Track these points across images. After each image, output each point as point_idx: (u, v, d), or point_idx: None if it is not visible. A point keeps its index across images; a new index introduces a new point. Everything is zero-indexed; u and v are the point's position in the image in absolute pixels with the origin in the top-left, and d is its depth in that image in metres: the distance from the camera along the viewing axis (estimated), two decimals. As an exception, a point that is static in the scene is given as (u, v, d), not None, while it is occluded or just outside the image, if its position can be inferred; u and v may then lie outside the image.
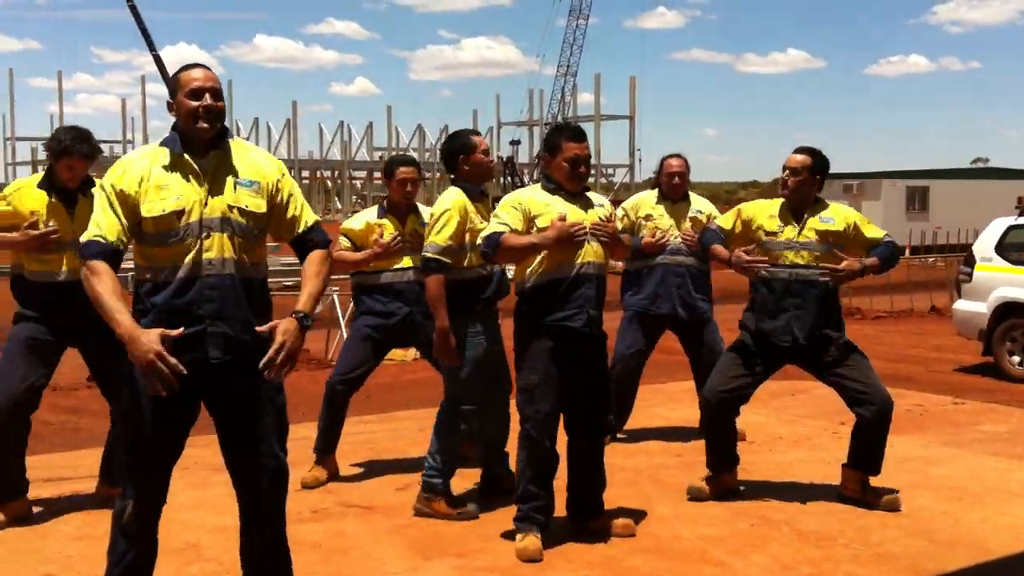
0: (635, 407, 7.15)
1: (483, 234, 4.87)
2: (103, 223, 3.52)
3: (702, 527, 5.21)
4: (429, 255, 5.23)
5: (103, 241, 3.49)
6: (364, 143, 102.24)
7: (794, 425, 7.62)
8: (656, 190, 6.92)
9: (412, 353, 10.47)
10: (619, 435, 6.96)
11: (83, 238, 3.55)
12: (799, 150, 5.57)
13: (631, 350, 6.85)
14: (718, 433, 5.69)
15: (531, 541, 4.78)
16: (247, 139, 3.76)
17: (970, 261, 10.66)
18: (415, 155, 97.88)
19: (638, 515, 5.29)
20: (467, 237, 5.27)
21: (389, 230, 5.94)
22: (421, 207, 6.07)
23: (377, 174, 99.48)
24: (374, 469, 6.37)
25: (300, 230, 3.73)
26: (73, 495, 5.72)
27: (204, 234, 3.54)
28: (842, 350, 5.48)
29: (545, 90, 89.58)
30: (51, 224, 5.13)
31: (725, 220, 5.76)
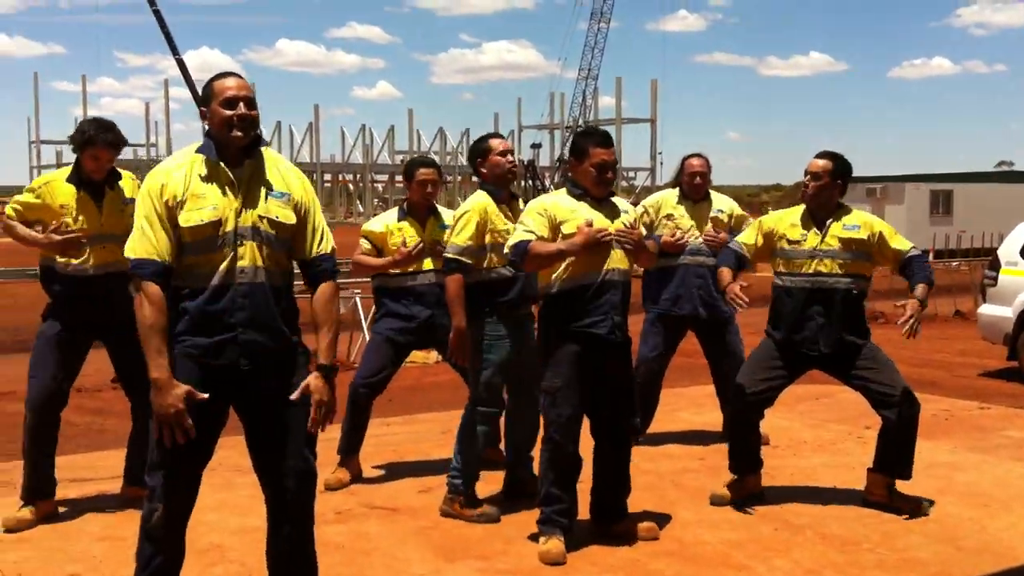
0: (657, 410, 7.14)
1: (510, 242, 4.85)
2: (155, 239, 3.53)
3: (725, 531, 5.19)
4: (449, 255, 5.31)
5: (158, 260, 3.51)
6: (386, 146, 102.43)
7: (818, 429, 7.58)
8: (677, 189, 6.90)
9: (434, 355, 10.49)
10: (640, 438, 6.94)
11: (136, 254, 3.53)
12: (820, 155, 5.53)
13: (654, 353, 6.84)
14: (742, 436, 5.67)
15: (554, 544, 4.77)
16: (269, 143, 3.79)
17: (995, 265, 10.59)
18: (436, 158, 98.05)
19: (661, 519, 5.27)
20: (488, 238, 5.30)
21: (409, 233, 5.95)
22: (441, 209, 6.09)
23: (399, 177, 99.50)
24: (397, 471, 6.38)
25: (315, 253, 3.76)
26: (98, 495, 5.75)
27: (238, 243, 3.58)
28: (867, 354, 5.45)
29: (566, 93, 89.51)
30: (79, 219, 5.15)
31: (747, 236, 5.70)
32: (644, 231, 5.32)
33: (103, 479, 6.03)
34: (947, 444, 7.06)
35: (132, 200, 4.54)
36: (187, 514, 3.76)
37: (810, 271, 5.42)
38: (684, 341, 7.08)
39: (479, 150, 5.50)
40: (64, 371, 5.23)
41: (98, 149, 5.12)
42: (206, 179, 3.59)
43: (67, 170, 5.27)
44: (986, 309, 10.67)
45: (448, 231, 5.47)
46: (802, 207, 5.55)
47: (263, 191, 3.65)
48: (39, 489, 5.28)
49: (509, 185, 5.52)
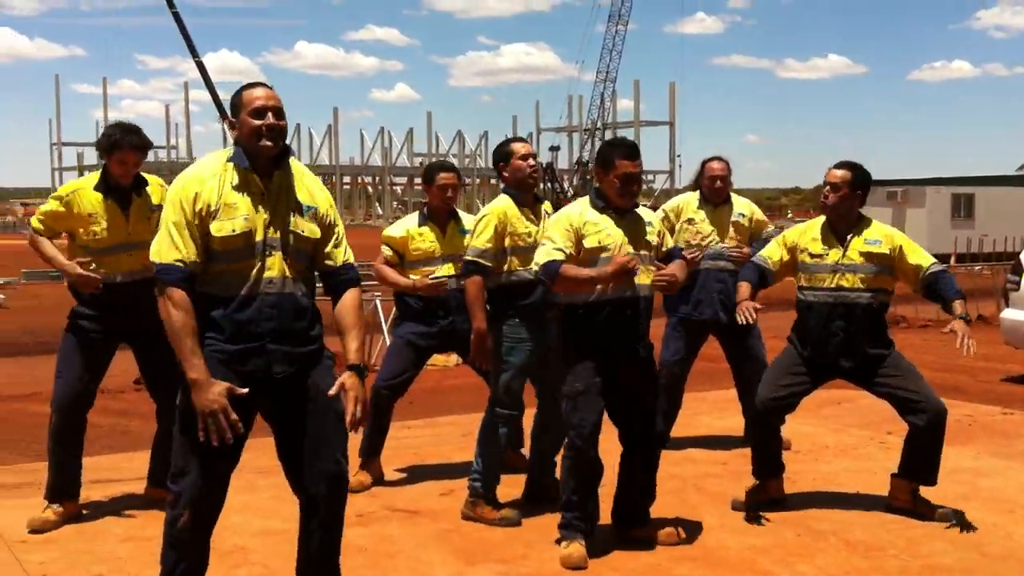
0: (679, 415, 7.12)
1: (540, 259, 4.84)
2: (182, 245, 3.54)
3: (748, 536, 5.17)
4: (468, 257, 5.35)
5: (183, 266, 3.53)
6: (404, 149, 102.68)
7: (840, 434, 7.54)
8: (697, 193, 6.88)
9: (454, 358, 10.49)
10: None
11: (162, 259, 3.54)
12: (839, 165, 5.49)
13: (675, 357, 6.82)
14: (763, 441, 5.65)
15: (575, 549, 4.77)
16: (294, 152, 3.83)
17: (1018, 269, 10.51)
18: (455, 161, 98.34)
19: (683, 524, 5.26)
20: (508, 242, 5.33)
21: (428, 239, 5.97)
22: (462, 214, 6.10)
23: (418, 180, 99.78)
24: (418, 474, 6.40)
25: (338, 263, 3.81)
26: (122, 497, 5.78)
27: (267, 253, 3.62)
28: (891, 363, 5.42)
29: (584, 96, 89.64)
30: (104, 225, 5.18)
31: (772, 252, 5.65)
32: (669, 238, 5.29)
33: (127, 480, 6.06)
34: (970, 450, 7.01)
35: (159, 207, 4.56)
36: (213, 520, 3.76)
37: (832, 285, 5.40)
38: (706, 345, 7.06)
39: (502, 154, 5.52)
40: (90, 372, 5.26)
41: (125, 152, 5.14)
42: (237, 189, 3.62)
43: (94, 177, 5.29)
44: (1009, 314, 10.60)
45: (468, 235, 5.51)
46: (822, 219, 5.53)
47: (291, 203, 3.70)
48: (63, 490, 5.31)
49: (531, 189, 5.53)
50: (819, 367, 5.49)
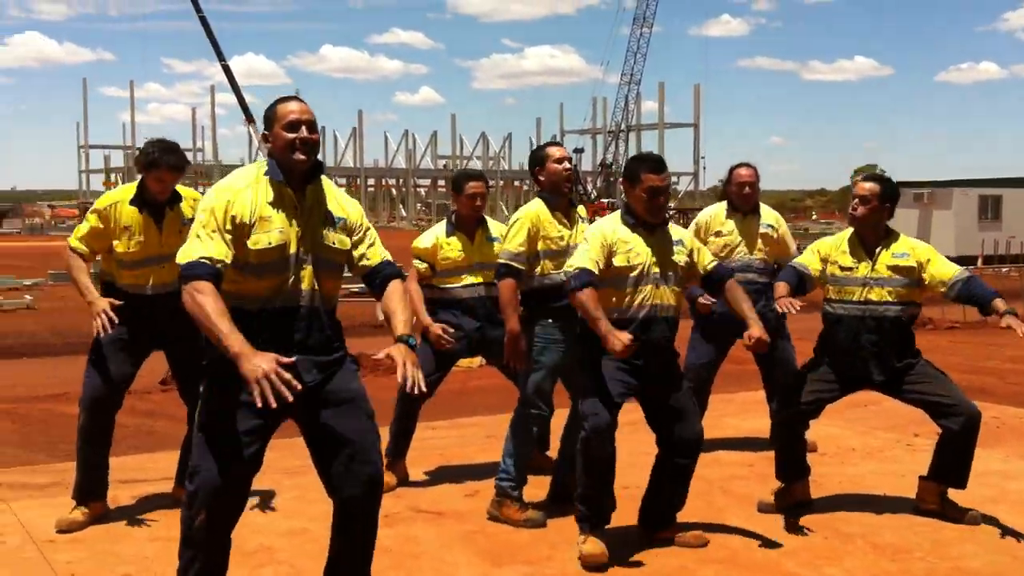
0: (706, 417, 7.08)
1: (576, 262, 4.80)
2: (210, 246, 3.54)
3: (774, 539, 5.13)
4: (501, 260, 5.38)
5: (208, 263, 3.51)
6: (428, 151, 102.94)
7: (866, 437, 7.50)
8: (725, 203, 6.84)
9: (478, 360, 10.48)
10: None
11: (187, 258, 3.53)
12: (868, 177, 5.52)
13: (702, 361, 6.78)
14: (788, 444, 5.63)
15: (592, 543, 4.77)
16: (320, 160, 3.87)
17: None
18: (479, 163, 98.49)
19: (710, 526, 5.24)
20: (540, 245, 5.35)
21: (457, 248, 5.98)
22: (490, 221, 6.11)
23: (441, 182, 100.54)
24: (443, 475, 6.40)
25: (375, 262, 3.85)
26: (149, 497, 5.81)
27: (300, 267, 3.66)
28: (918, 370, 5.39)
29: (609, 98, 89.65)
30: (140, 238, 5.23)
31: (810, 261, 5.57)
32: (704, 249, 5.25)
33: (154, 480, 6.10)
34: (999, 452, 6.95)
35: (191, 221, 4.59)
36: (232, 521, 3.75)
37: (861, 299, 5.38)
38: (734, 347, 7.01)
39: (537, 158, 5.56)
40: (119, 374, 5.29)
41: (162, 171, 5.19)
42: (272, 203, 3.65)
43: (130, 191, 5.32)
44: (1038, 315, 10.49)
45: (497, 242, 5.56)
46: (849, 231, 5.51)
47: (323, 216, 3.74)
48: (91, 491, 5.34)
49: (566, 192, 5.54)
50: (848, 379, 5.47)
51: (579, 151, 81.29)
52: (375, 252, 3.86)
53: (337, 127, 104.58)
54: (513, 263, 5.33)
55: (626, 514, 5.12)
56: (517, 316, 5.32)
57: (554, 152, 5.54)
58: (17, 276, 25.98)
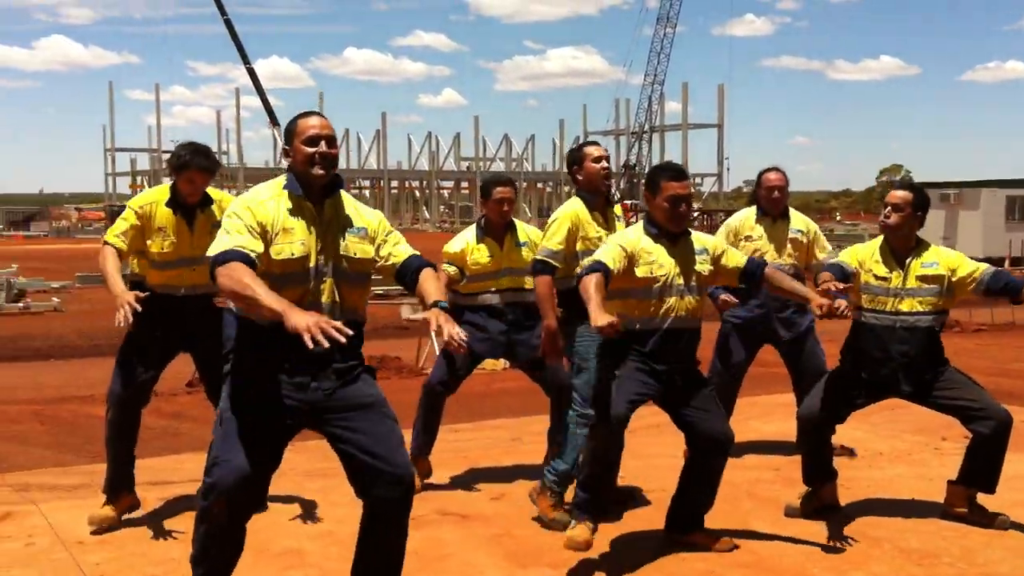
0: (731, 420, 7.06)
1: (598, 256, 4.78)
2: (241, 240, 3.57)
3: (801, 543, 5.12)
4: (538, 257, 5.43)
5: (243, 251, 3.54)
6: (451, 153, 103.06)
7: (894, 440, 7.46)
8: (755, 208, 6.80)
9: (502, 363, 10.50)
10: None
11: (219, 249, 3.54)
12: (900, 185, 5.53)
13: (729, 364, 6.75)
14: (814, 448, 5.60)
15: (580, 531, 4.79)
16: (339, 175, 3.92)
17: (1077, 273, 10.34)
18: (502, 165, 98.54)
19: (736, 530, 5.23)
20: (579, 245, 5.39)
21: (485, 254, 5.98)
22: (519, 224, 6.12)
23: (464, 184, 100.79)
24: (469, 478, 6.41)
25: (402, 258, 3.88)
26: (176, 499, 5.84)
27: (320, 279, 3.70)
28: (946, 378, 5.36)
29: (632, 99, 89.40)
30: (173, 239, 5.27)
31: (850, 261, 5.49)
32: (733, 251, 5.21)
33: (180, 482, 6.13)
34: (1028, 456, 6.88)
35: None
36: (247, 515, 3.79)
37: (892, 309, 5.35)
38: (762, 351, 6.99)
39: (575, 157, 5.61)
40: (148, 369, 5.34)
41: (193, 173, 5.25)
42: (292, 214, 3.71)
43: (165, 191, 5.37)
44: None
45: (525, 247, 5.67)
46: (880, 240, 5.48)
47: (342, 228, 3.79)
48: (120, 485, 5.39)
49: (604, 191, 5.57)
50: (876, 387, 5.45)
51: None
52: (401, 250, 3.89)
53: (360, 130, 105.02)
54: (550, 260, 5.36)
55: (653, 517, 5.11)
56: (554, 312, 5.33)
57: (592, 151, 5.57)
58: (45, 278, 26.19)
